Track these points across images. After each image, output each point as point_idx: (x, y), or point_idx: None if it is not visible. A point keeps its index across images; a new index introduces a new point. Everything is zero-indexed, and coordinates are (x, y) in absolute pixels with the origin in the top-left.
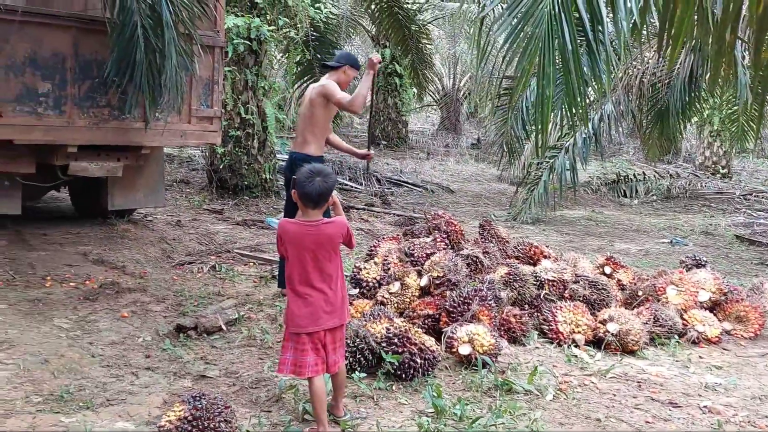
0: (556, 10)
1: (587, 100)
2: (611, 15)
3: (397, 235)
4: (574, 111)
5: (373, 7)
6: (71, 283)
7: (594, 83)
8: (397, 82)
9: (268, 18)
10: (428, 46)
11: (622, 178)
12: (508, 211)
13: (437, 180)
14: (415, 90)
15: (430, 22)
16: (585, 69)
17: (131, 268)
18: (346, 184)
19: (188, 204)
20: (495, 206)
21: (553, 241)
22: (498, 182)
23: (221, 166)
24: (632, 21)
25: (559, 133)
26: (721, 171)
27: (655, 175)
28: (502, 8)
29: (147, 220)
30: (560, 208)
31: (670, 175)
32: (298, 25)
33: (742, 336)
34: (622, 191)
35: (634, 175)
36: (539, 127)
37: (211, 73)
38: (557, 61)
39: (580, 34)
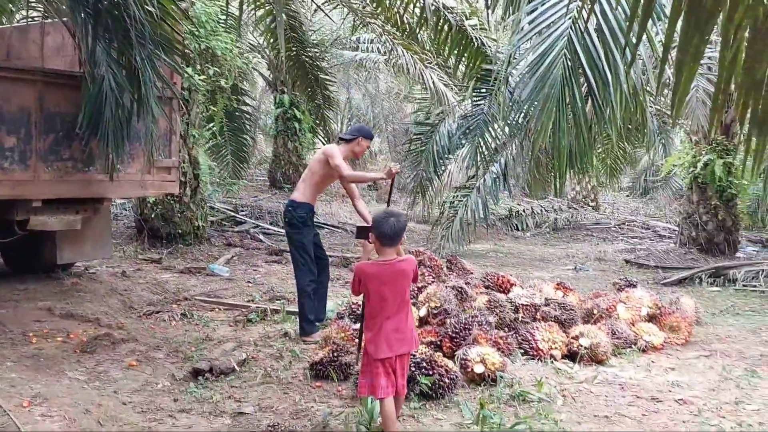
0: (567, 74)
1: (498, 142)
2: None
3: None
4: (585, 158)
5: (281, 55)
6: (57, 338)
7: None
8: (296, 127)
9: (198, 68)
10: (334, 92)
11: (513, 213)
12: (426, 247)
13: (351, 221)
14: (310, 134)
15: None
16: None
17: (106, 320)
18: (267, 228)
19: (122, 254)
20: (410, 243)
21: (477, 272)
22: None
23: (153, 215)
24: None
25: (471, 174)
26: (590, 204)
27: (541, 210)
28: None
29: (90, 273)
30: (468, 242)
31: (554, 209)
32: (226, 74)
33: (676, 343)
34: (515, 225)
35: (523, 210)
36: (557, 172)
37: (169, 124)
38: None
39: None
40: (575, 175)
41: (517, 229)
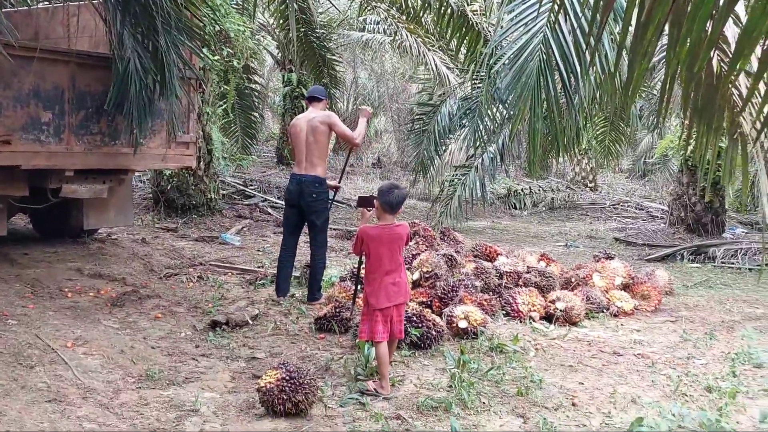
0: (542, 66)
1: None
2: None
3: None
4: (558, 139)
5: (290, 36)
6: (89, 294)
7: (570, 120)
8: (303, 105)
9: (212, 48)
10: (341, 72)
11: (512, 192)
12: (425, 223)
13: (354, 197)
14: None
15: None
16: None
17: (131, 280)
18: (275, 202)
19: (140, 223)
20: (412, 218)
21: (469, 244)
22: (408, 198)
23: (168, 187)
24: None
25: (470, 153)
26: (589, 184)
27: (539, 189)
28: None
29: (113, 239)
30: (466, 219)
31: (552, 189)
32: (239, 55)
33: (646, 309)
34: (513, 204)
35: (522, 189)
36: (532, 151)
37: (188, 103)
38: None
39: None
40: (556, 155)
41: (515, 208)
